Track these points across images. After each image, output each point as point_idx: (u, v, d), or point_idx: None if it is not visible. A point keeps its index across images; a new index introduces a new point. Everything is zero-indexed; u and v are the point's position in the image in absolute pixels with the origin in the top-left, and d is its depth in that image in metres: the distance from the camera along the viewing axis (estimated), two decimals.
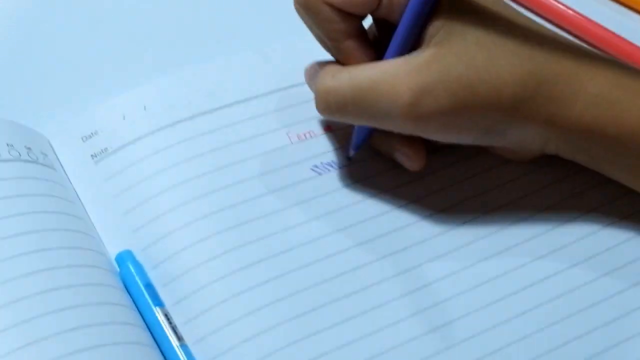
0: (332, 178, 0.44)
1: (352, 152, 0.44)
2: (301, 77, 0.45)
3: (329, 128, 0.45)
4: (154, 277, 0.40)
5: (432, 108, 0.38)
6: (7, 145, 0.41)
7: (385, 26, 0.41)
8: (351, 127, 0.44)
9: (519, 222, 0.43)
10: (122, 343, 0.37)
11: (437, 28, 0.39)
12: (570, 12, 0.52)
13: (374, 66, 0.40)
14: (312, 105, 0.45)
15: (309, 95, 0.44)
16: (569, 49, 0.40)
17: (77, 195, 0.43)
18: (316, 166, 0.44)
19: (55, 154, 0.44)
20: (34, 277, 0.37)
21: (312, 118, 0.45)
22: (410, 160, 0.42)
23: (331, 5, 0.40)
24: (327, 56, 0.43)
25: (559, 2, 0.52)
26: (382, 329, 0.39)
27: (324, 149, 0.45)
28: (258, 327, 0.39)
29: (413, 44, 0.40)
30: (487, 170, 0.44)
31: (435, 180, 0.44)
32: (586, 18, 0.51)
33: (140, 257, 0.41)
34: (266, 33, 0.50)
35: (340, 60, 0.41)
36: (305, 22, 0.42)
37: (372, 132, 0.43)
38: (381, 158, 0.44)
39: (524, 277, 0.41)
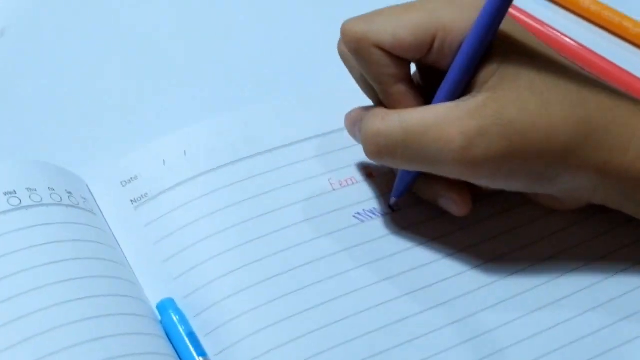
0: (376, 226, 0.43)
1: (393, 200, 0.43)
2: (341, 123, 0.45)
3: (371, 174, 0.45)
4: (195, 325, 0.39)
5: (484, 152, 0.38)
6: (49, 189, 0.41)
7: (430, 73, 0.41)
8: (392, 174, 0.44)
9: (568, 274, 0.42)
10: None
11: (490, 73, 0.38)
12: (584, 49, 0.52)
13: (425, 110, 0.39)
14: (354, 151, 0.45)
15: (350, 141, 0.44)
16: (620, 97, 0.39)
17: (117, 241, 0.42)
18: (359, 213, 0.43)
19: (94, 199, 0.43)
20: (76, 326, 0.37)
21: (353, 164, 0.45)
22: (456, 206, 0.42)
23: (382, 49, 0.39)
24: (367, 101, 0.43)
25: (569, 39, 0.52)
26: None
27: (366, 196, 0.44)
28: None
29: (463, 89, 0.39)
30: (532, 221, 0.44)
31: (481, 230, 0.43)
32: (598, 55, 0.51)
33: (181, 305, 0.40)
34: (306, 78, 0.50)
35: (387, 104, 0.41)
36: (350, 66, 0.42)
37: (415, 179, 0.42)
38: (424, 206, 0.43)
39: (574, 330, 0.40)
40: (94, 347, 0.36)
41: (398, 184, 0.43)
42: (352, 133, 0.43)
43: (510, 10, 0.44)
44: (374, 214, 0.43)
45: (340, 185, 0.44)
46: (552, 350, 0.39)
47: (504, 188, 0.41)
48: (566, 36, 0.52)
